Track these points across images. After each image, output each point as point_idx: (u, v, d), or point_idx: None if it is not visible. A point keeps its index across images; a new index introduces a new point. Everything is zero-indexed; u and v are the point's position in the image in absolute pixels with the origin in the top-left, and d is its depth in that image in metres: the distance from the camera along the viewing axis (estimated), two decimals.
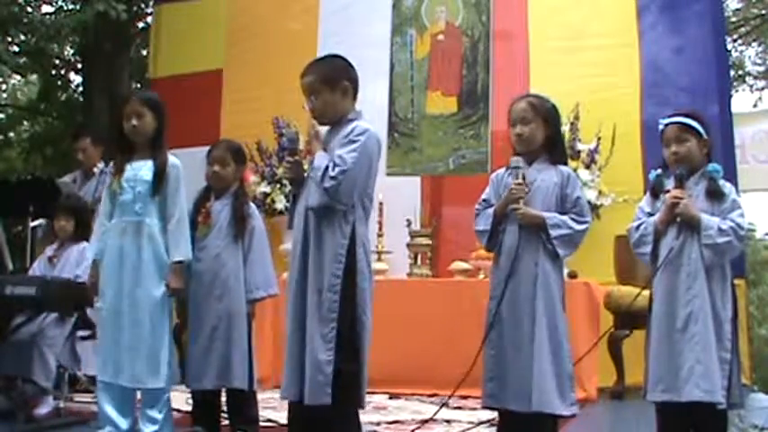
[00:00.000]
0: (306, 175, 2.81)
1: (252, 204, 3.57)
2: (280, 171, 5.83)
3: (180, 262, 3.17)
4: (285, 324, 2.81)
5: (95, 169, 5.40)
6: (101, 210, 3.27)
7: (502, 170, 3.05)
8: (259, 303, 3.51)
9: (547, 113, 2.97)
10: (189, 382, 3.36)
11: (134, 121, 3.17)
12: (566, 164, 3.05)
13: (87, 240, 3.73)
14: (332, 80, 2.79)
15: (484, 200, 3.03)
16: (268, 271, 3.49)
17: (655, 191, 3.00)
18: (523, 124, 2.93)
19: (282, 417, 3.73)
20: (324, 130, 2.90)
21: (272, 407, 3.99)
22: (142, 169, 3.18)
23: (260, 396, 3.51)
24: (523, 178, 2.91)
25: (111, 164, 3.26)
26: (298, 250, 2.77)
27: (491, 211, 2.97)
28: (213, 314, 3.34)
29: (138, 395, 3.20)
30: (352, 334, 2.66)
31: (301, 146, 5.95)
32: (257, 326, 3.64)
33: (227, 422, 3.43)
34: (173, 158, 3.25)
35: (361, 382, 2.69)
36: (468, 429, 3.56)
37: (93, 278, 3.22)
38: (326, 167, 2.66)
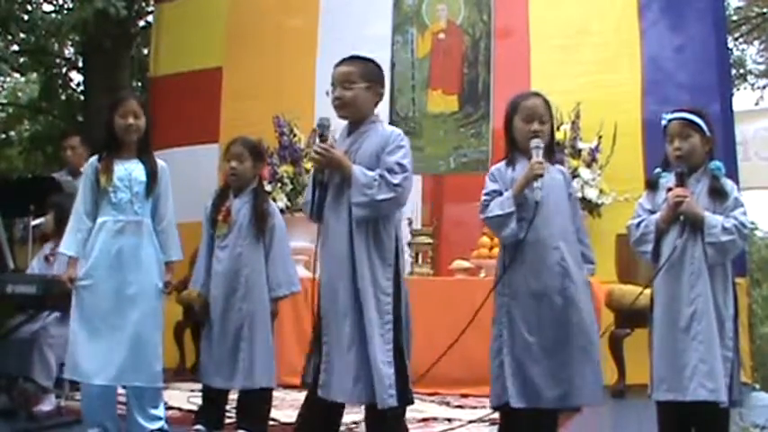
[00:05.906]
0: (337, 162, 2.72)
1: (272, 202, 3.56)
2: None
3: (172, 261, 3.24)
4: (325, 327, 2.73)
5: (82, 169, 5.40)
6: (79, 207, 3.18)
7: (501, 164, 3.02)
8: None
9: (552, 115, 3.02)
10: (211, 380, 3.32)
11: (131, 120, 3.17)
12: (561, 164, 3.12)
13: None
14: (371, 80, 2.81)
15: (493, 191, 2.96)
16: (289, 268, 3.47)
17: (650, 184, 2.99)
18: (542, 123, 2.92)
19: (283, 415, 3.74)
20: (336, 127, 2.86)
21: (274, 405, 3.97)
22: (135, 169, 3.19)
23: None
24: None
25: (93, 160, 3.21)
26: (344, 253, 2.70)
27: (508, 194, 2.88)
28: (237, 314, 3.32)
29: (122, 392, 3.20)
30: (400, 335, 2.69)
31: (303, 144, 6.00)
32: None
33: (228, 421, 3.43)
34: (159, 160, 3.29)
35: (408, 380, 2.72)
36: (469, 427, 3.56)
37: (73, 276, 3.11)
38: (381, 177, 2.65)
